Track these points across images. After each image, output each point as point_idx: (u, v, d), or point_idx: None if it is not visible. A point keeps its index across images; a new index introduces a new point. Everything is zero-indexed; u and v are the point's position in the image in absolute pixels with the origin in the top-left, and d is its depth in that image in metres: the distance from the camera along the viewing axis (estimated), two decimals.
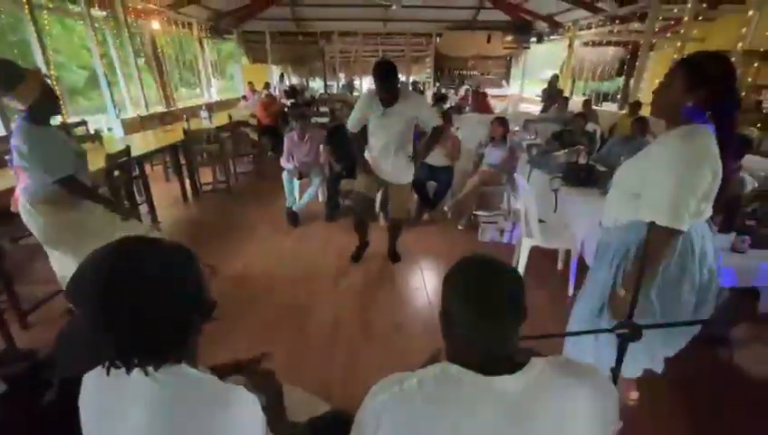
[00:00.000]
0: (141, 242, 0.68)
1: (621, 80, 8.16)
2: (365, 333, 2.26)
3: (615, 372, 1.02)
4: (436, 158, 3.77)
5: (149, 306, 0.63)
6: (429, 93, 10.21)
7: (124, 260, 0.64)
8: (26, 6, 4.24)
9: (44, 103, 1.71)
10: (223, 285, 2.74)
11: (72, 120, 4.74)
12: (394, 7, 8.26)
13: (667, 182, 1.16)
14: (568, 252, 2.68)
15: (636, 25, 6.81)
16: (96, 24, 5.60)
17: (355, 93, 11.31)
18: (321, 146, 3.97)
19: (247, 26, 10.28)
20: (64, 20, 6.45)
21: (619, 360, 1.02)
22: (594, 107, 6.55)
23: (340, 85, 11.85)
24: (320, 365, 1.99)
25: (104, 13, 5.88)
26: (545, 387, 0.65)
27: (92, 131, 4.45)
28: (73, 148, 1.93)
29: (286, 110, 6.69)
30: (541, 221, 2.60)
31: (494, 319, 0.67)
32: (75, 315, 1.87)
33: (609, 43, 8.13)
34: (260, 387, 1.02)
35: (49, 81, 1.81)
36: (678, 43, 5.58)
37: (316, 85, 12.86)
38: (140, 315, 0.62)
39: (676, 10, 5.89)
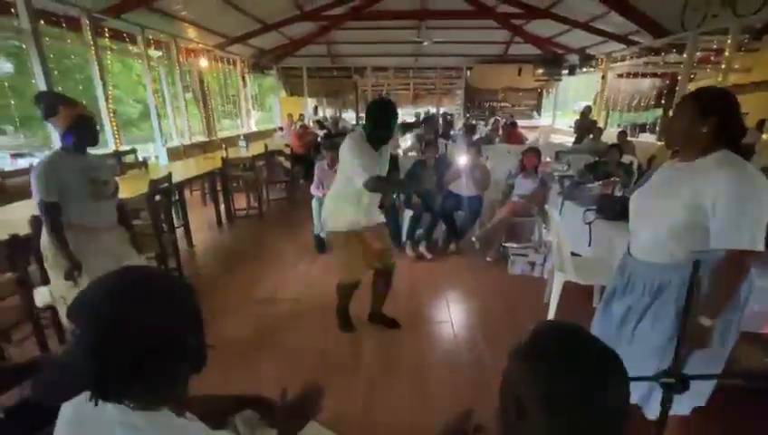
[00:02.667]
0: (147, 271, 0.67)
1: (659, 111, 7.93)
2: (387, 366, 2.19)
3: (660, 427, 0.92)
4: (466, 187, 3.76)
5: (144, 332, 0.59)
6: (459, 124, 10.31)
7: (128, 284, 0.62)
8: (93, 48, 4.73)
9: (72, 135, 1.84)
10: (252, 308, 2.78)
11: (123, 148, 5.12)
12: (425, 43, 8.56)
13: (742, 203, 1.17)
14: (604, 288, 2.52)
15: (674, 56, 6.66)
16: (152, 63, 6.15)
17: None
18: None
19: (286, 63, 10.93)
20: (125, 59, 7.15)
21: (664, 413, 0.92)
22: (631, 138, 6.36)
23: None
24: (338, 396, 1.94)
25: (160, 53, 6.46)
26: None
27: (141, 159, 4.79)
28: (93, 176, 1.94)
29: (319, 140, 6.93)
30: (574, 255, 2.49)
31: None
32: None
33: (645, 75, 7.98)
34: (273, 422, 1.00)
35: (88, 115, 1.90)
36: (720, 75, 5.39)
37: (348, 116, 13.33)
38: (132, 341, 0.58)
39: (716, 40, 5.73)
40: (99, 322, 0.57)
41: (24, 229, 2.12)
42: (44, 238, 1.94)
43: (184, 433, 0.63)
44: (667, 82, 7.51)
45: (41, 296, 2.10)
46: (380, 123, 2.06)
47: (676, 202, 1.29)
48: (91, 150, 2.02)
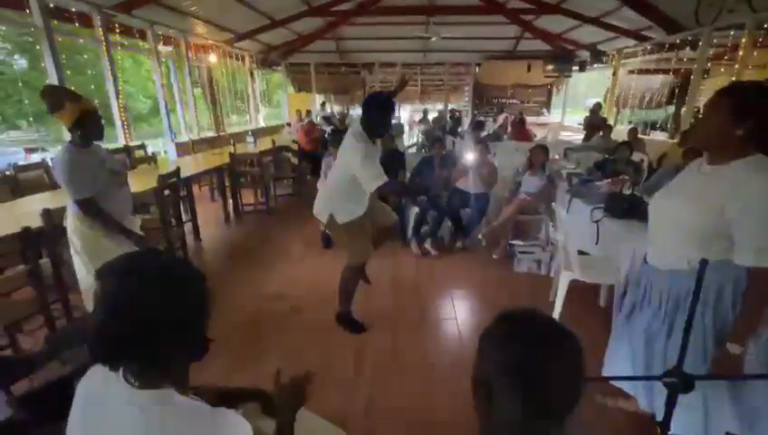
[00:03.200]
0: (169, 255, 0.72)
1: (671, 108, 7.79)
2: (390, 362, 2.20)
3: (662, 427, 0.91)
4: (473, 184, 3.74)
5: (161, 305, 0.64)
6: (467, 121, 10.25)
7: (155, 260, 0.68)
8: (104, 44, 4.79)
9: (79, 130, 1.88)
10: (257, 303, 2.80)
11: (133, 143, 5.19)
12: (433, 39, 8.49)
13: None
14: (611, 287, 2.50)
15: (687, 53, 6.53)
16: (161, 59, 6.20)
17: (392, 121, 11.56)
18: None
19: (294, 58, 10.94)
20: (135, 55, 7.21)
21: (668, 413, 0.91)
22: (641, 136, 6.26)
23: None
24: (341, 392, 1.95)
25: (169, 48, 6.51)
26: None
27: (150, 154, 4.85)
28: (110, 166, 2.02)
29: (326, 136, 6.95)
30: (582, 253, 2.47)
31: (547, 409, 0.57)
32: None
33: (657, 71, 7.83)
34: (273, 413, 1.01)
35: (93, 109, 1.93)
36: (736, 70, 5.27)
37: (356, 113, 13.33)
38: (143, 315, 0.63)
39: (731, 36, 5.60)
40: (123, 288, 0.63)
41: (36, 222, 2.16)
42: (72, 226, 1.99)
43: (186, 409, 0.65)
44: (680, 79, 7.35)
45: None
46: (380, 119, 2.12)
47: (700, 208, 1.20)
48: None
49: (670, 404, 0.91)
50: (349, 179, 2.13)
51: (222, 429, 0.65)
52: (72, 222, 2.00)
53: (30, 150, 8.80)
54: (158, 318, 0.64)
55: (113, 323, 0.62)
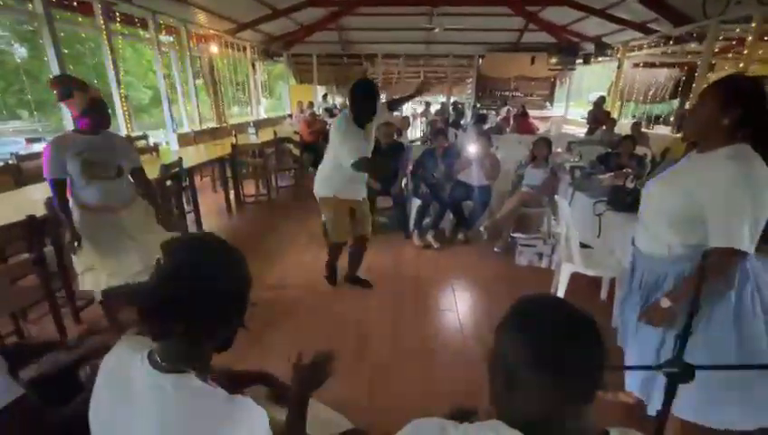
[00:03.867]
0: (215, 239, 0.78)
1: (676, 102, 7.72)
2: (392, 352, 2.22)
3: (661, 417, 0.92)
4: (475, 176, 3.73)
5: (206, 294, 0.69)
6: (469, 114, 10.19)
7: (209, 239, 0.76)
8: (104, 33, 4.75)
9: (85, 118, 1.92)
10: (259, 294, 2.82)
11: (135, 134, 5.17)
12: (437, 30, 8.41)
13: (736, 205, 1.13)
14: (613, 280, 2.51)
15: (693, 46, 6.46)
16: (163, 49, 6.16)
17: (395, 113, 11.49)
18: None
19: (296, 49, 10.85)
20: (136, 45, 7.15)
21: (667, 402, 0.92)
22: (645, 130, 6.23)
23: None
24: (345, 381, 1.97)
25: (171, 38, 6.46)
26: None
27: (152, 144, 4.84)
28: (88, 158, 1.98)
29: (328, 127, 6.92)
30: (584, 246, 2.47)
31: (574, 394, 0.56)
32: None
33: (662, 65, 7.76)
34: (281, 399, 1.03)
35: (100, 97, 1.97)
36: (741, 64, 5.21)
37: None
38: (202, 290, 0.69)
39: (738, 30, 5.53)
40: (187, 257, 0.70)
41: (39, 211, 2.17)
42: (75, 218, 2.03)
43: (205, 394, 0.67)
44: (685, 72, 7.28)
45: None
46: (364, 103, 2.27)
47: (677, 193, 1.27)
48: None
49: (669, 394, 0.92)
50: (333, 156, 2.40)
51: (239, 414, 0.67)
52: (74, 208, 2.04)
53: (31, 140, 8.79)
54: (214, 287, 0.70)
55: (173, 287, 0.67)
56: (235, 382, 1.04)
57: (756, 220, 1.13)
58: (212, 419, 0.65)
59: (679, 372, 0.88)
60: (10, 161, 3.44)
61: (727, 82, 1.21)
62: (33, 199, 2.52)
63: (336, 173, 2.44)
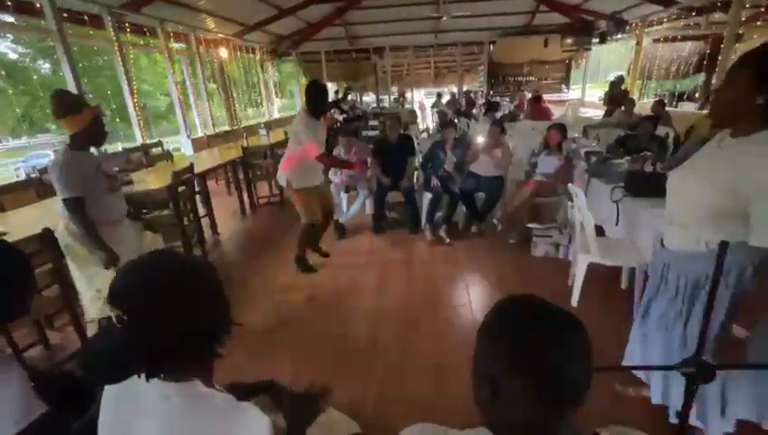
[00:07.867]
0: (174, 256, 0.73)
1: (702, 77, 7.34)
2: (404, 350, 2.19)
3: (681, 420, 0.86)
4: (486, 167, 3.64)
5: (182, 314, 0.65)
6: (480, 102, 9.97)
7: (163, 271, 0.67)
8: (116, 44, 4.86)
9: (87, 135, 1.89)
10: (274, 295, 2.85)
11: (150, 141, 5.30)
12: (444, 18, 8.22)
13: None
14: (632, 270, 2.40)
15: (717, 16, 6.09)
16: (174, 56, 6.27)
17: (407, 106, 11.38)
18: (369, 160, 4.02)
19: (304, 47, 10.86)
20: (150, 54, 7.32)
21: (687, 404, 0.86)
22: (669, 108, 5.93)
23: (392, 99, 12.02)
24: (355, 381, 1.96)
25: (181, 45, 6.57)
26: None
27: (166, 150, 4.95)
28: (106, 172, 2.01)
29: (337, 125, 6.90)
30: (600, 235, 2.37)
31: (552, 402, 0.54)
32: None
33: (685, 38, 7.37)
34: (284, 410, 1.02)
35: (102, 113, 1.94)
36: None
37: (369, 99, 13.18)
38: (172, 322, 0.64)
39: None
40: (143, 310, 0.62)
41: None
42: (63, 237, 1.99)
43: (210, 400, 0.67)
44: (710, 45, 6.90)
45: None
46: (319, 100, 2.81)
47: (715, 184, 1.12)
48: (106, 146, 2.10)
49: (689, 395, 0.86)
50: (301, 150, 2.80)
51: (243, 420, 0.66)
52: (61, 232, 2.00)
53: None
54: (195, 327, 0.66)
55: (160, 341, 0.63)
56: (241, 392, 1.04)
57: None
58: (217, 424, 0.65)
59: (697, 372, 0.82)
60: (32, 175, 3.57)
61: (759, 54, 1.04)
62: (54, 212, 2.60)
63: (311, 167, 2.90)
